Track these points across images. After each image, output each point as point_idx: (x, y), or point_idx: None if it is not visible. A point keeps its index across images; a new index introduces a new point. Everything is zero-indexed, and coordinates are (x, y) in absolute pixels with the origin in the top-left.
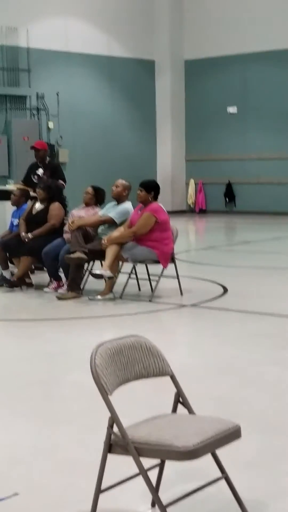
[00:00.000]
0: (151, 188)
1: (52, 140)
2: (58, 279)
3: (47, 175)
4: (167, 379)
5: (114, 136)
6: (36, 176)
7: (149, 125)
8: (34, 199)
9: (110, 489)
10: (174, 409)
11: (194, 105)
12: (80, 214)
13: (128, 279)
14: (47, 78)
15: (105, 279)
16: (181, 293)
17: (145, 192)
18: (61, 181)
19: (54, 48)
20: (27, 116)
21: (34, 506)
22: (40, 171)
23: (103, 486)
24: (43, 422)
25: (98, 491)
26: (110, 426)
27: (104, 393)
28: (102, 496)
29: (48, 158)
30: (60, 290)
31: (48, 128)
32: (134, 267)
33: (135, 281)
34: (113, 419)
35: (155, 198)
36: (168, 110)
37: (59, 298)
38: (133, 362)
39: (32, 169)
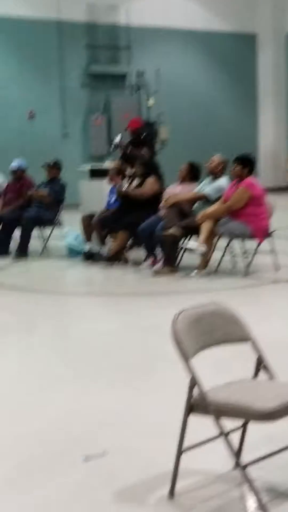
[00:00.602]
0: (246, 163)
1: (152, 118)
2: (154, 255)
3: (144, 151)
4: (247, 346)
5: (214, 112)
6: (115, 142)
7: (250, 101)
8: (131, 177)
9: (191, 449)
10: (255, 374)
11: None
12: (176, 190)
13: (223, 255)
14: (147, 55)
15: (200, 255)
16: (277, 269)
17: (240, 166)
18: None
19: (154, 24)
20: (127, 94)
21: (122, 465)
22: (117, 138)
23: (186, 447)
24: (136, 389)
25: (180, 451)
26: (191, 388)
27: (185, 357)
28: (185, 457)
29: (143, 134)
30: (156, 266)
31: (148, 106)
32: (229, 242)
33: (230, 256)
34: (194, 381)
35: (250, 172)
36: (269, 84)
37: (155, 274)
38: (214, 328)
39: (127, 146)
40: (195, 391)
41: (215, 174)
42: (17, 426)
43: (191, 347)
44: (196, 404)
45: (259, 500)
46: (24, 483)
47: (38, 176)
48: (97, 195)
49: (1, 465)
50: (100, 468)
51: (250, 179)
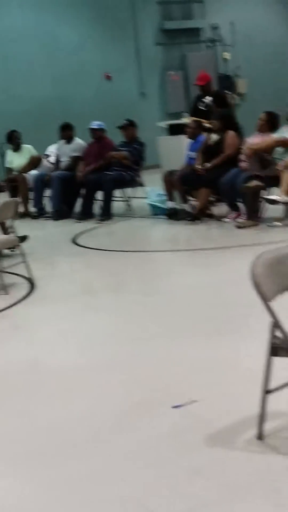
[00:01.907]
0: None
1: (230, 71)
2: (237, 208)
3: (215, 105)
4: None
5: None
6: (202, 104)
7: None
8: (209, 130)
9: (277, 390)
10: None
11: None
12: (255, 141)
13: None
14: (221, 8)
15: (282, 205)
16: None
17: None
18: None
19: None
20: (202, 49)
21: (211, 411)
22: (206, 99)
23: (271, 389)
24: (224, 339)
25: (265, 392)
26: (273, 331)
27: (265, 300)
28: (270, 399)
29: (215, 89)
30: (239, 220)
31: (224, 59)
32: None
33: None
34: (275, 323)
35: None
36: None
37: (239, 227)
38: None
39: (198, 99)
40: (277, 334)
41: None
42: (113, 375)
43: (271, 290)
44: (279, 346)
45: None
46: (118, 428)
47: (116, 138)
48: (176, 152)
49: (100, 412)
50: (191, 414)
51: None
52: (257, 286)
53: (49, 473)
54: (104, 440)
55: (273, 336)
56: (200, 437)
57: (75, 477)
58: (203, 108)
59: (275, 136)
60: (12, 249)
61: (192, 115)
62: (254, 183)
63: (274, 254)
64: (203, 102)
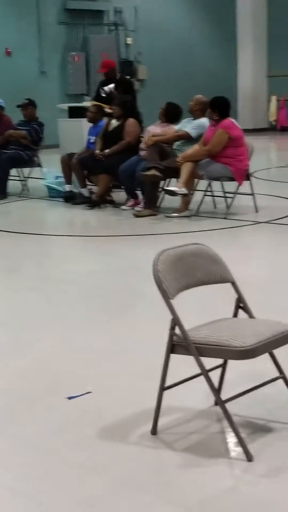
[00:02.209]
0: (215, 106)
1: (131, 57)
2: (135, 197)
3: (119, 91)
4: (228, 286)
5: (193, 52)
6: (103, 91)
7: (229, 40)
8: (110, 115)
9: (173, 387)
10: (235, 314)
11: (278, 18)
12: (156, 130)
13: (203, 197)
14: None
15: (180, 197)
16: (257, 210)
17: (210, 109)
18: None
19: None
20: (105, 32)
21: (105, 404)
22: (108, 87)
23: (168, 385)
24: (118, 330)
25: (162, 389)
26: (172, 328)
27: (167, 297)
28: (166, 395)
29: (118, 75)
30: (137, 208)
31: (126, 44)
32: (209, 184)
33: (211, 198)
34: (175, 321)
35: (222, 115)
36: (249, 24)
37: (136, 216)
38: (195, 269)
39: (102, 85)
40: (176, 331)
41: (195, 114)
42: (1, 365)
43: (172, 288)
44: (177, 344)
45: (238, 435)
46: (8, 421)
47: (15, 116)
48: (76, 135)
49: None
50: (84, 406)
51: (228, 121)
52: (159, 284)
53: None
54: None
55: (172, 333)
56: (93, 431)
57: None
58: (103, 95)
59: (176, 127)
60: None
61: (96, 100)
62: (153, 172)
63: (176, 251)
64: (103, 90)
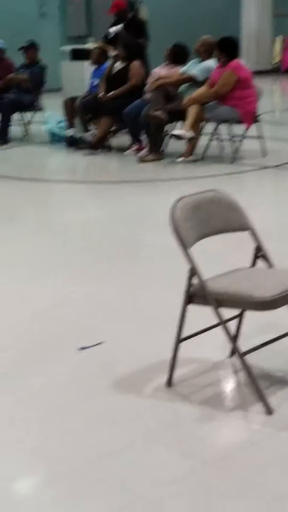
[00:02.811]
0: (223, 47)
1: None
2: (139, 141)
3: (130, 33)
4: (246, 235)
5: None
6: (110, 33)
7: None
8: (115, 58)
9: (190, 338)
10: (253, 263)
11: None
12: (162, 73)
13: (210, 140)
14: None
15: (186, 141)
16: (264, 154)
17: (218, 50)
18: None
19: None
20: None
21: (118, 355)
22: (113, 28)
23: (184, 337)
24: (126, 278)
25: (178, 340)
26: (190, 278)
27: (184, 246)
28: (182, 347)
29: (130, 15)
30: (141, 153)
31: None
32: (216, 128)
33: (217, 142)
34: (193, 271)
35: (230, 56)
36: None
37: (141, 161)
38: (213, 217)
39: (112, 27)
40: (194, 281)
41: (200, 55)
42: (7, 316)
43: (190, 236)
44: (195, 294)
45: (257, 387)
46: (18, 373)
47: (16, 59)
48: (79, 78)
49: (2, 349)
50: (96, 358)
51: (236, 62)
52: (177, 232)
53: None
54: (3, 382)
55: (190, 284)
56: (105, 383)
57: None
58: (109, 37)
59: (183, 69)
60: None
61: (103, 42)
62: (158, 114)
63: (193, 199)
64: (109, 32)
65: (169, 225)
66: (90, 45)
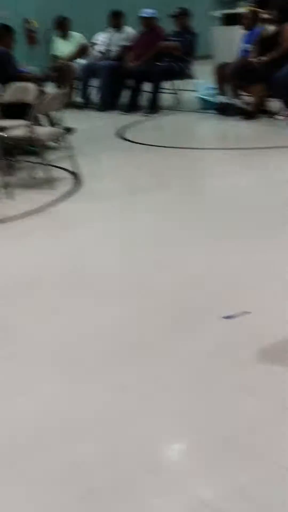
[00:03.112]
0: None
1: None
2: None
3: None
4: None
5: None
6: None
7: None
8: (267, 21)
9: None
10: None
11: None
12: None
13: None
14: None
15: None
16: None
17: None
18: None
19: None
20: None
21: (263, 325)
22: None
23: None
24: (275, 247)
25: None
26: None
27: None
28: None
29: None
30: None
31: None
32: None
33: None
34: None
35: None
36: None
37: None
38: None
39: None
40: None
41: None
42: (157, 281)
43: None
44: None
45: None
46: (162, 339)
47: (168, 27)
48: (230, 43)
49: (145, 322)
50: (241, 327)
51: None
52: None
53: (94, 381)
54: (147, 349)
55: None
56: (252, 352)
57: (120, 384)
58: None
59: None
60: (57, 141)
61: (256, 4)
62: None
63: None
64: None
65: None
66: (242, 9)
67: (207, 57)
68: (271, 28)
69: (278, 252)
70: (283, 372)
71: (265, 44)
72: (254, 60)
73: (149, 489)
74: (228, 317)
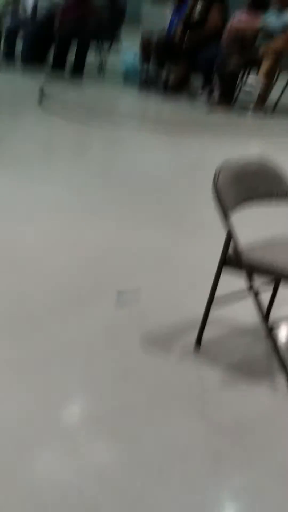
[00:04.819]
0: None
1: None
2: (212, 85)
3: None
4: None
5: None
6: None
7: None
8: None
9: (223, 299)
10: None
11: None
12: (242, 19)
13: (282, 92)
14: None
15: (258, 92)
16: None
17: None
18: None
19: None
20: None
21: (153, 306)
22: None
23: (217, 297)
24: (173, 228)
25: (210, 301)
26: (227, 242)
27: (224, 210)
28: (216, 307)
29: None
30: (212, 99)
31: None
32: None
33: None
34: (231, 235)
35: None
36: None
37: (210, 108)
38: (257, 183)
39: None
40: (231, 246)
41: (282, 5)
42: (53, 256)
43: (231, 201)
44: (231, 258)
45: (282, 361)
46: (54, 321)
47: None
48: (159, 16)
49: (36, 296)
50: (132, 306)
51: None
52: (217, 196)
53: None
54: (39, 328)
55: (227, 247)
56: (136, 335)
57: (2, 359)
58: None
59: (262, 20)
60: None
61: None
62: (233, 61)
63: (239, 164)
64: None
65: (212, 189)
66: None
67: (136, 23)
68: (199, 6)
69: (178, 238)
70: (163, 359)
71: (192, 22)
72: (183, 40)
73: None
74: (120, 294)
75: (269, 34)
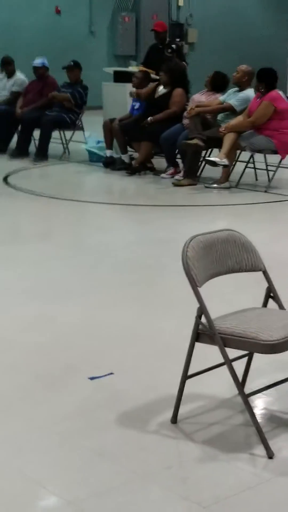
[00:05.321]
0: (262, 77)
1: (182, 19)
2: (176, 165)
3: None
4: (259, 275)
5: (245, 17)
6: (169, 50)
7: (285, 6)
8: (157, 82)
9: (197, 375)
10: (264, 304)
11: None
12: (201, 99)
13: (245, 168)
14: None
15: (221, 167)
16: None
17: (257, 81)
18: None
19: None
20: None
21: (127, 386)
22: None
23: (191, 373)
24: (143, 306)
25: (185, 377)
26: (199, 317)
27: (194, 284)
28: (190, 382)
29: (168, 39)
30: (176, 177)
31: (178, 6)
32: (252, 156)
33: (253, 170)
34: (201, 309)
35: (268, 87)
36: None
37: (175, 185)
38: (226, 256)
39: (152, 50)
40: (202, 320)
41: (241, 85)
42: (25, 338)
43: (201, 275)
44: (203, 333)
45: (259, 430)
46: (25, 400)
47: (61, 77)
48: (120, 100)
49: (8, 379)
50: (104, 388)
51: (275, 92)
52: (187, 271)
53: None
54: (11, 411)
55: (198, 322)
56: (110, 415)
57: None
58: (169, 55)
59: (221, 98)
60: None
61: (144, 65)
62: (195, 141)
63: (206, 238)
64: (171, 47)
65: (182, 262)
66: (133, 68)
67: (98, 108)
68: (161, 89)
69: (147, 311)
70: (140, 437)
71: (154, 104)
72: (146, 120)
73: None
74: (93, 378)
75: (229, 112)
